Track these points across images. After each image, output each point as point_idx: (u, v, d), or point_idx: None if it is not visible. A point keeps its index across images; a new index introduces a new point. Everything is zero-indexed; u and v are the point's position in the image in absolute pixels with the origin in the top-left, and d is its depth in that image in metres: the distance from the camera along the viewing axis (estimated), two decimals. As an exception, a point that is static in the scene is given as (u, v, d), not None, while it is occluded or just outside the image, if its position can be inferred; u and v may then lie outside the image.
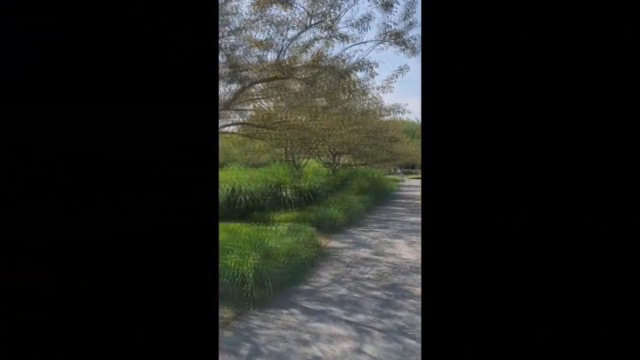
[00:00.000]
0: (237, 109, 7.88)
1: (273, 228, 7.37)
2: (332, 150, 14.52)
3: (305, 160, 14.41)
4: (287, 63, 5.69)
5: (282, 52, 5.70)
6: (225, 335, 3.76)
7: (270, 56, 5.70)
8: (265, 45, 5.42)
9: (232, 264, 4.80)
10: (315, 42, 5.72)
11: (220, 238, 6.45)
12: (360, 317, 4.11)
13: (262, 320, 4.10)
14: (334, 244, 7.61)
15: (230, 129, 9.27)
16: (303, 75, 5.91)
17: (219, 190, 9.52)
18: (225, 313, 4.23)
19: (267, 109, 8.08)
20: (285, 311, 4.33)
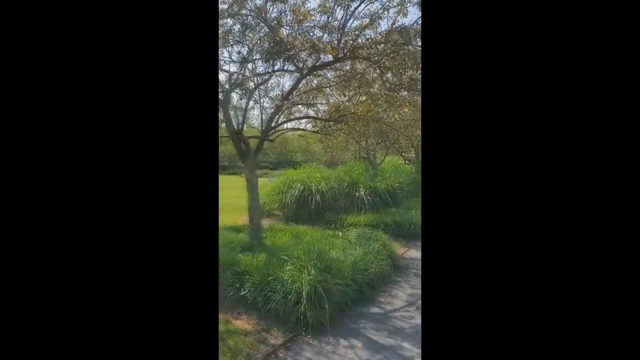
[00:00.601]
0: (303, 103, 6.99)
1: (340, 233, 6.48)
2: (414, 144, 12.67)
3: (383, 157, 12.93)
4: (351, 37, 4.51)
5: (343, 29, 4.57)
6: (268, 369, 3.05)
7: (330, 38, 4.71)
8: (329, 29, 4.53)
9: (287, 278, 4.10)
10: (384, 12, 4.45)
11: (280, 242, 5.90)
12: (441, 362, 3.17)
13: (315, 352, 3.31)
14: (413, 253, 6.32)
15: (304, 125, 8.22)
16: (368, 53, 4.67)
17: (291, 190, 8.99)
18: (273, 337, 3.56)
19: (340, 102, 6.95)
20: (344, 342, 3.45)
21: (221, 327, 3.79)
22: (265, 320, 3.90)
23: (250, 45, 5.17)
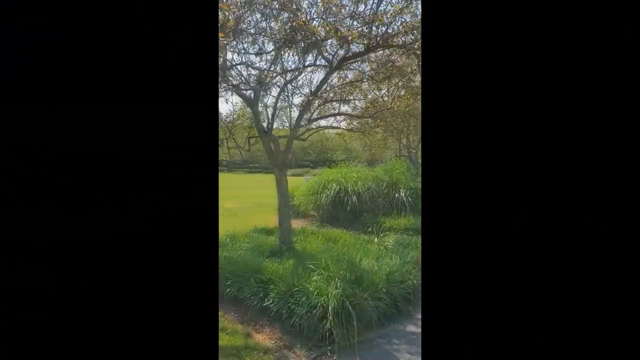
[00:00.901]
0: (336, 100, 6.39)
1: (376, 239, 6.04)
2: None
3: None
4: (384, 23, 3.99)
5: (375, 14, 4.09)
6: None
7: (361, 26, 4.24)
8: (361, 17, 4.08)
9: (312, 290, 3.73)
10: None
11: (311, 248, 5.51)
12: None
13: (341, 379, 2.88)
14: (456, 262, 6.00)
15: (338, 122, 7.59)
16: (403, 41, 4.16)
17: (326, 190, 8.66)
18: (295, 356, 3.27)
19: (378, 97, 6.42)
20: (375, 367, 2.99)
21: (240, 341, 3.56)
22: (289, 335, 3.62)
23: (275, 39, 4.79)
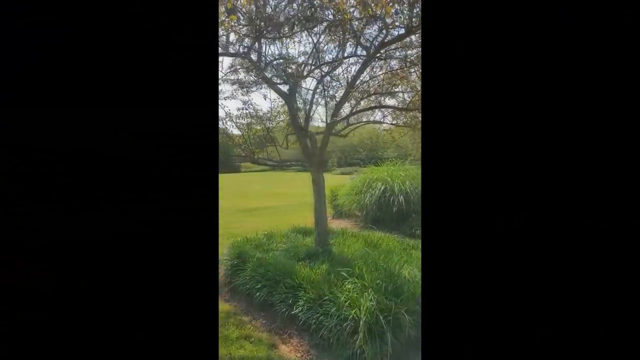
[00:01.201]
0: (379, 92, 5.86)
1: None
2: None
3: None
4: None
5: None
6: None
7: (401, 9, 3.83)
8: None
9: (343, 300, 3.40)
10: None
11: (349, 252, 5.13)
12: None
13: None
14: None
15: (383, 117, 6.88)
16: None
17: (371, 189, 8.12)
18: None
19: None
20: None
21: (263, 352, 3.33)
22: (317, 349, 3.30)
23: (288, 16, 4.46)
